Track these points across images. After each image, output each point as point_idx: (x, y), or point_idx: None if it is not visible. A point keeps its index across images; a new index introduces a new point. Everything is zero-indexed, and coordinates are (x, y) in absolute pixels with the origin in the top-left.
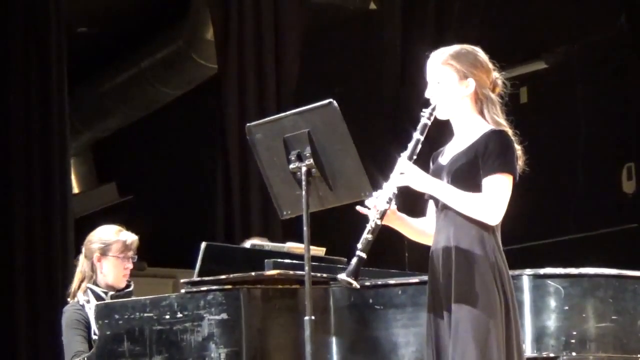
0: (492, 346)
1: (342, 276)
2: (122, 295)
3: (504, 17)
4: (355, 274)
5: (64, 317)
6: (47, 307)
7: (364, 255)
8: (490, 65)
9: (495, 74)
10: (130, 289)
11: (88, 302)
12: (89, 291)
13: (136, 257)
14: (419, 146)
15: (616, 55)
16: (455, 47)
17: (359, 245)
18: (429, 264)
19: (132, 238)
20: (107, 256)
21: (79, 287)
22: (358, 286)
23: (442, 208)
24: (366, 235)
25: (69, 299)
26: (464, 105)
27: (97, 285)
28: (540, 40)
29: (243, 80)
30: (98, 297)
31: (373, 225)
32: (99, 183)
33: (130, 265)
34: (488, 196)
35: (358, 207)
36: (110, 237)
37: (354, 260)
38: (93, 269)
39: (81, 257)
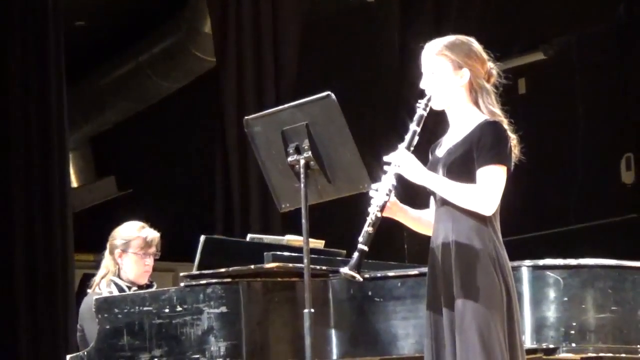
0: (494, 338)
1: (344, 270)
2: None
3: (502, 8)
4: (357, 267)
5: (86, 306)
6: (47, 301)
7: (365, 248)
8: (485, 56)
9: (490, 64)
10: (153, 288)
11: (111, 293)
12: (112, 284)
13: (159, 254)
14: (416, 137)
15: (615, 45)
16: (450, 38)
17: (360, 239)
18: (428, 257)
19: (152, 235)
20: (127, 252)
21: (101, 280)
22: (361, 279)
23: (440, 201)
24: (367, 229)
25: (88, 290)
26: (459, 96)
27: (120, 279)
28: (538, 31)
29: (241, 73)
30: (121, 289)
31: (373, 218)
32: (98, 177)
33: (151, 262)
34: (482, 187)
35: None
36: (132, 234)
37: (356, 254)
38: (115, 264)
39: (106, 252)
